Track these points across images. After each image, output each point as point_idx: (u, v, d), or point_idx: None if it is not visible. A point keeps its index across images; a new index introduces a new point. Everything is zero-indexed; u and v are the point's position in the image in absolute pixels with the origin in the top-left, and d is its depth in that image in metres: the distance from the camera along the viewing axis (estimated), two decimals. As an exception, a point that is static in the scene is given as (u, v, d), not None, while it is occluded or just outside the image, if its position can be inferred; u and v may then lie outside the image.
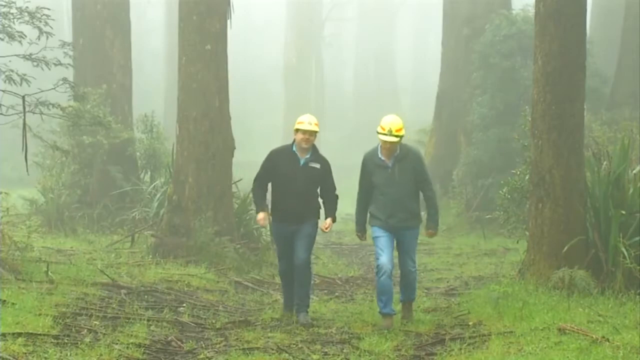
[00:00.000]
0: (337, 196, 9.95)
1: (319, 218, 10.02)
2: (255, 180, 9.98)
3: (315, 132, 9.77)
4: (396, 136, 9.39)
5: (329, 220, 9.80)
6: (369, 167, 9.66)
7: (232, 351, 8.36)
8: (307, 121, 9.76)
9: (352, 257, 16.31)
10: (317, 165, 9.80)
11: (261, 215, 9.89)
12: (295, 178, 9.71)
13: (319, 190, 9.95)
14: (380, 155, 9.59)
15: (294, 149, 9.79)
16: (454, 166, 19.93)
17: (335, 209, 9.94)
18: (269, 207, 10.03)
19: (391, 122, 9.42)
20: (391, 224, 9.55)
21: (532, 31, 12.07)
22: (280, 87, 37.05)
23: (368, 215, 9.82)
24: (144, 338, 8.63)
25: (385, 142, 9.45)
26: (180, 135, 13.79)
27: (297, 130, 9.73)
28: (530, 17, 17.25)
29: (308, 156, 9.78)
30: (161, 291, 11.04)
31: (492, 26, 18.78)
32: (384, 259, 9.46)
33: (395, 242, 9.68)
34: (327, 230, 9.79)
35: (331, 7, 40.61)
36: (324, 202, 9.97)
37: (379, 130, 9.45)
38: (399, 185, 9.55)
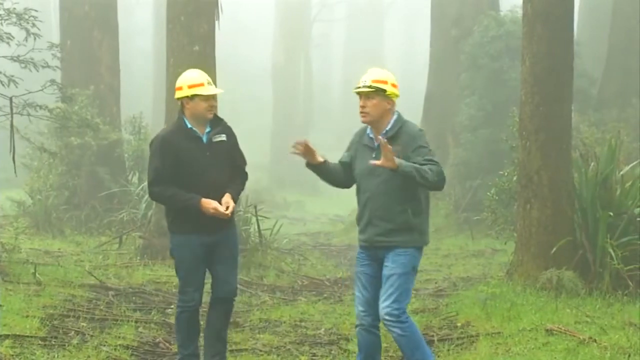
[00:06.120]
0: (246, 175, 7.36)
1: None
2: (152, 185, 7.10)
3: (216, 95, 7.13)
4: (369, 87, 6.74)
5: (231, 202, 7.05)
6: (354, 148, 6.95)
7: (220, 353, 8.35)
8: (205, 81, 7.04)
9: (341, 258, 16.30)
10: (223, 137, 7.15)
11: (205, 200, 6.96)
12: (202, 163, 7.01)
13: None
14: (369, 132, 6.89)
15: (189, 125, 7.06)
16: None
17: (242, 189, 7.32)
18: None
19: (372, 72, 6.87)
20: (369, 239, 6.80)
21: (520, 32, 12.08)
22: (268, 88, 37.04)
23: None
24: (132, 339, 8.62)
25: (359, 95, 6.82)
26: (169, 137, 13.75)
27: (192, 96, 6.97)
28: (518, 18, 17.25)
29: (209, 129, 7.11)
30: (149, 292, 11.03)
31: (481, 27, 18.80)
32: (360, 306, 6.89)
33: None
34: (228, 213, 6.99)
35: (320, 8, 40.62)
36: (232, 180, 7.22)
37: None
38: (383, 178, 6.62)
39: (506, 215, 13.36)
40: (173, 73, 13.66)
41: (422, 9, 32.45)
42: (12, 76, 11.72)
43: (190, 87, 7.00)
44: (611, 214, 10.51)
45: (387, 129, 6.73)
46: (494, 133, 17.42)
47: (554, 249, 10.50)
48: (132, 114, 17.90)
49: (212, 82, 7.10)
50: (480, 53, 18.46)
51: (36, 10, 12.24)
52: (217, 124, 7.17)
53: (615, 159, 11.07)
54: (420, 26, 38.90)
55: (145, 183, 16.11)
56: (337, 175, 7.03)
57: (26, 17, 12.04)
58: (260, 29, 43.84)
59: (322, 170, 6.96)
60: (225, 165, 7.13)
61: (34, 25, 12.05)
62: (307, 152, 6.83)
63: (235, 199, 7.13)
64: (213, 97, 7.08)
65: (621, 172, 11.15)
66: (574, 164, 11.10)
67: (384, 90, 6.73)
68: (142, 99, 30.22)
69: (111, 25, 17.97)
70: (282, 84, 36.09)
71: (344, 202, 25.72)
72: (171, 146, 7.01)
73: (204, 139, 7.08)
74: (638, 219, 10.63)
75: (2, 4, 12.11)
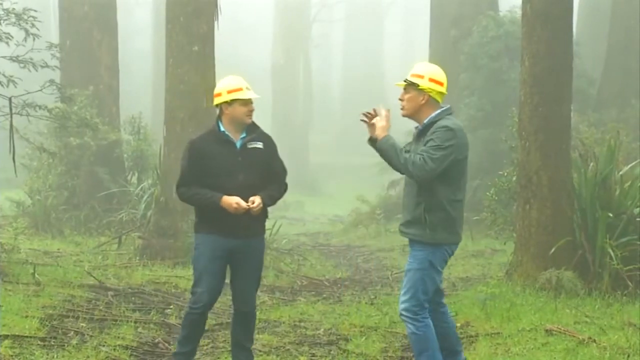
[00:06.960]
0: (286, 185, 7.28)
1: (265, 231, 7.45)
2: (178, 186, 7.12)
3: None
4: (405, 80, 6.81)
5: (258, 199, 6.93)
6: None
7: (219, 353, 8.36)
8: (244, 86, 7.02)
9: (340, 258, 16.30)
10: (260, 145, 7.10)
11: (226, 197, 6.89)
12: (234, 168, 6.96)
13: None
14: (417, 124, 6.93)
15: (222, 128, 7.06)
16: (441, 167, 19.87)
17: (278, 196, 7.19)
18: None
19: (416, 66, 6.93)
20: (399, 227, 6.96)
21: (519, 33, 12.09)
22: (268, 88, 37.05)
23: None
24: (131, 340, 8.61)
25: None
26: (168, 137, 13.77)
27: (231, 101, 6.97)
28: (518, 18, 17.27)
29: (244, 135, 7.08)
30: (148, 293, 11.01)
31: (480, 27, 18.80)
32: None
33: None
34: (252, 206, 6.88)
35: (319, 8, 40.64)
36: (269, 185, 7.15)
37: None
38: None
39: (505, 215, 13.35)
40: (172, 73, 13.68)
41: (422, 9, 32.48)
42: (12, 76, 11.70)
43: (229, 92, 6.98)
44: (610, 214, 10.52)
45: (425, 122, 6.75)
46: (494, 133, 17.42)
47: (553, 249, 10.50)
48: (131, 114, 17.88)
49: (250, 88, 7.06)
50: (480, 53, 18.47)
51: (35, 11, 12.22)
52: (253, 130, 7.12)
53: (614, 159, 11.07)
54: (420, 26, 38.94)
55: (144, 183, 16.23)
56: None
57: (25, 17, 12.02)
58: (259, 29, 43.86)
59: None
60: (258, 171, 7.03)
61: (33, 25, 12.03)
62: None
63: (267, 204, 7.04)
64: (251, 102, 7.05)
65: (620, 172, 11.16)
66: (573, 164, 11.11)
67: (417, 85, 6.75)
68: (141, 99, 30.24)
69: (110, 26, 17.96)
70: (282, 84, 36.11)
71: (344, 202, 25.77)
72: (199, 149, 7.02)
73: (238, 144, 7.04)
74: (637, 219, 10.64)
75: (1, 4, 12.09)
